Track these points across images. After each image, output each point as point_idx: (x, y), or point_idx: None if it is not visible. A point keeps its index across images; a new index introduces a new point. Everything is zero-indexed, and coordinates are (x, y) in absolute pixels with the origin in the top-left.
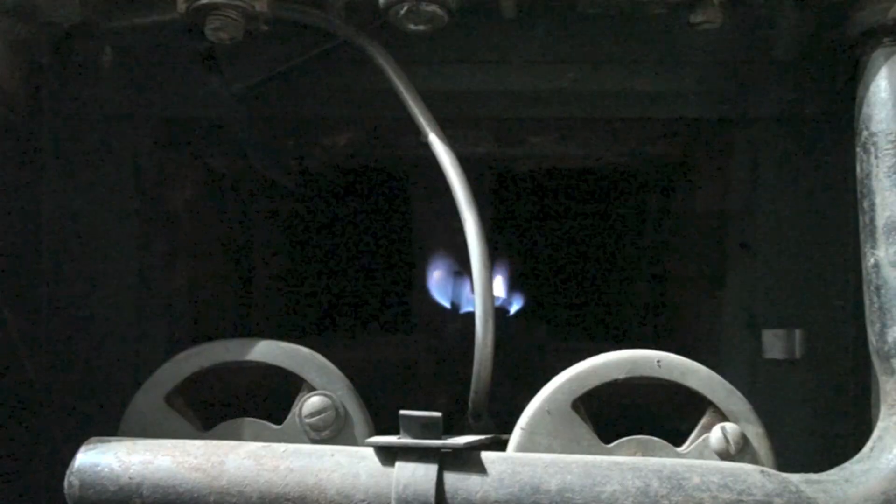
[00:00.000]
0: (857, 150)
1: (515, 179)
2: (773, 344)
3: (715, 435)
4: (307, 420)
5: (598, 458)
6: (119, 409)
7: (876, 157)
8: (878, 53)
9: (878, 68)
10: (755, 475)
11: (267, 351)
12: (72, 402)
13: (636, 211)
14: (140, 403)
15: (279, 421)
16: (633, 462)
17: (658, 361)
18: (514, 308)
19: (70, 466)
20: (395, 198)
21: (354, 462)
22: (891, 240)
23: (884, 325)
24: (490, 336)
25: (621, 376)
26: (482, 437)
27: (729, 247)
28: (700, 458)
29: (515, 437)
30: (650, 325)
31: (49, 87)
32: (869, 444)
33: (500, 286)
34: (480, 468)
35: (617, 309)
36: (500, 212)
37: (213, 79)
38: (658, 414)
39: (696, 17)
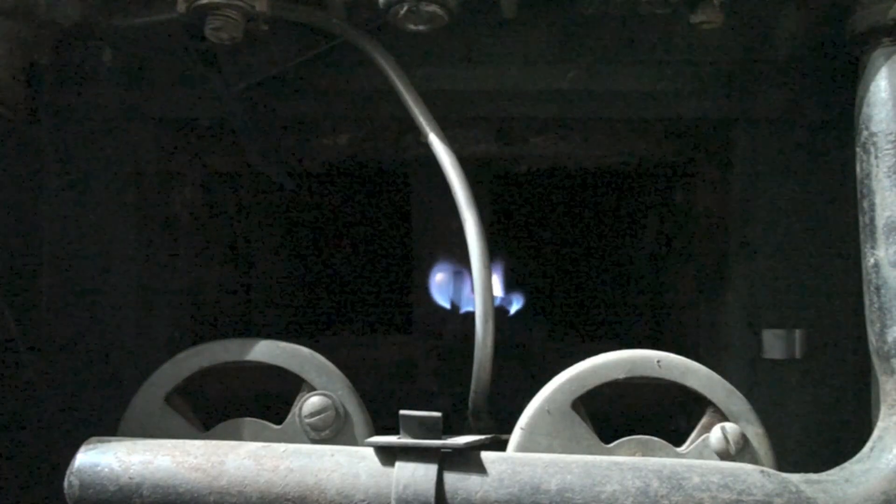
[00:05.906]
0: (857, 150)
1: (515, 179)
2: (773, 344)
3: (715, 435)
4: (307, 420)
5: (598, 458)
6: (119, 409)
7: (876, 157)
8: (878, 53)
9: (878, 68)
10: (755, 475)
11: (267, 351)
12: (72, 402)
13: (636, 211)
14: (140, 403)
15: (279, 421)
16: (633, 462)
17: (658, 361)
18: (514, 308)
19: (70, 466)
20: (395, 198)
21: (354, 462)
22: (891, 240)
23: (884, 325)
24: (490, 336)
25: (621, 376)
26: (482, 437)
27: (729, 247)
28: (700, 458)
29: (515, 437)
30: (650, 325)
31: (49, 88)
32: (869, 444)
33: (499, 286)
34: (480, 468)
35: (617, 309)
36: (499, 212)
37: (213, 79)
38: (658, 414)
39: (696, 17)
